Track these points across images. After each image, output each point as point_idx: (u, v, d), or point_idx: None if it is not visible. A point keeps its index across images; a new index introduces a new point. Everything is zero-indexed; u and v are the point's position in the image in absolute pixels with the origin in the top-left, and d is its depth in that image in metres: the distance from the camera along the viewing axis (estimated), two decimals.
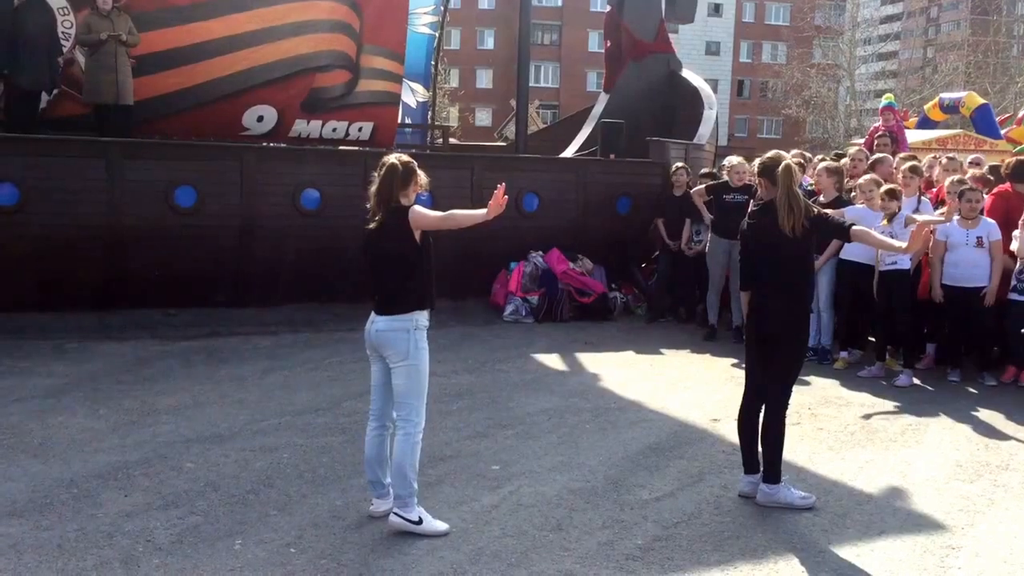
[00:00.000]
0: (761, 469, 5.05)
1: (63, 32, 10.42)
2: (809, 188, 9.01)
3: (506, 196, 4.31)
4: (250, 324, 9.16)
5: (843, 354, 8.48)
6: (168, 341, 8.49)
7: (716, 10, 64.11)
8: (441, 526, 4.49)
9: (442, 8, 15.66)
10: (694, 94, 13.74)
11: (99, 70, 9.95)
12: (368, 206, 4.56)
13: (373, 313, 4.54)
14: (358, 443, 5.02)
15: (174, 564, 4.05)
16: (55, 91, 10.37)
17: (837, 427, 6.55)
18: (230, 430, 5.98)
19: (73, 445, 5.57)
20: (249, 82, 11.54)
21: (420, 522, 4.44)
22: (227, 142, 10.83)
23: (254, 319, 9.31)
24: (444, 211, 4.60)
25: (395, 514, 4.47)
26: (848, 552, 4.46)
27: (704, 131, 12.72)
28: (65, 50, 10.50)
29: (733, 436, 5.41)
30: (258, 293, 9.68)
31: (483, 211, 4.35)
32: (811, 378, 7.75)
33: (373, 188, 4.53)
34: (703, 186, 9.72)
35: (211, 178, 9.52)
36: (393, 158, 4.56)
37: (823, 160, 9.87)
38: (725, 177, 9.70)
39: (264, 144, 11.75)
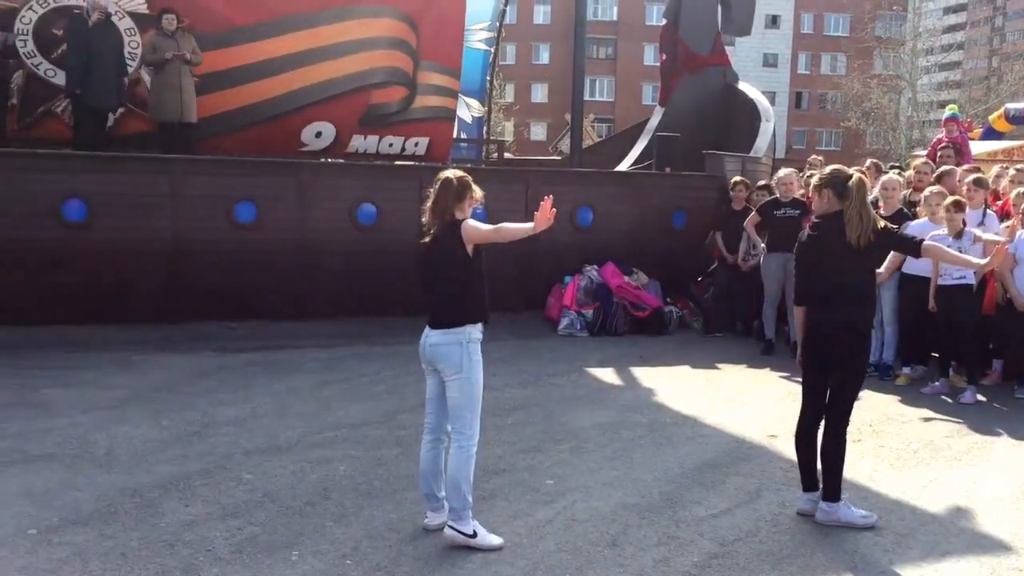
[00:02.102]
0: (820, 486, 4.96)
1: (130, 52, 10.73)
2: (874, 200, 8.87)
3: (554, 209, 4.31)
4: (307, 337, 9.29)
5: (906, 370, 8.31)
6: (228, 354, 8.64)
7: (774, 22, 63.47)
8: (495, 540, 4.49)
9: (497, 24, 15.76)
10: (751, 107, 13.62)
11: (164, 89, 10.23)
12: (423, 220, 4.61)
13: (427, 327, 4.57)
14: (413, 456, 5.05)
15: (233, 573, 4.11)
16: (121, 109, 10.68)
17: (899, 444, 6.41)
18: (288, 442, 6.06)
19: (136, 455, 5.69)
20: (308, 99, 11.76)
21: (475, 535, 4.45)
22: (286, 158, 11.01)
23: (311, 332, 9.43)
24: (497, 225, 4.62)
25: (450, 527, 4.48)
26: (911, 573, 4.36)
27: (761, 144, 12.61)
28: (131, 70, 10.81)
29: (791, 452, 5.32)
30: (315, 306, 9.82)
31: (531, 224, 4.36)
32: (872, 394, 7.60)
33: (428, 203, 4.58)
34: (755, 214, 9.67)
35: (270, 193, 9.69)
36: (448, 173, 4.60)
37: (887, 172, 9.73)
38: (774, 192, 9.66)
39: (322, 160, 11.95)
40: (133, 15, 10.95)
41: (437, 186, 4.55)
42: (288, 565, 4.22)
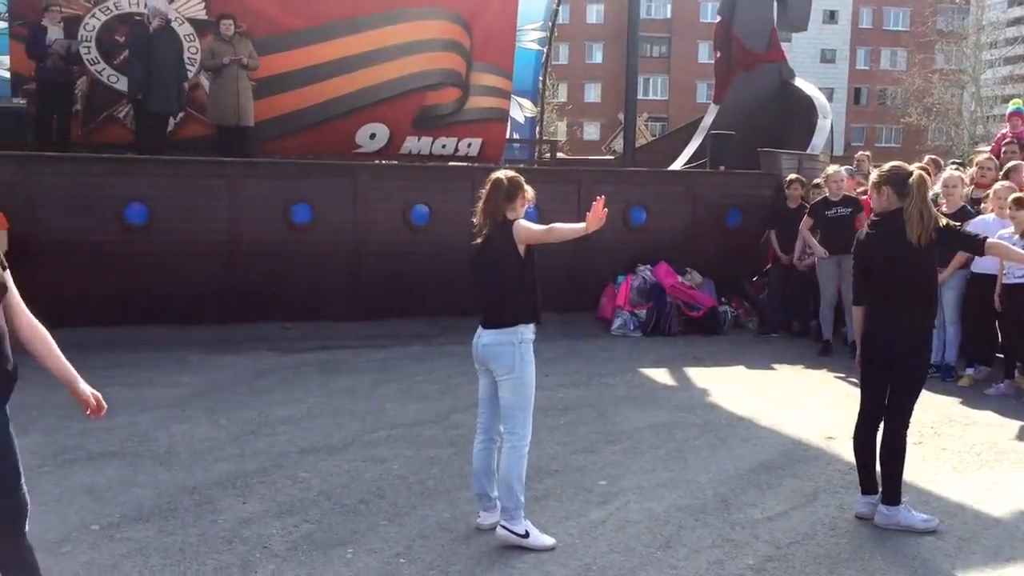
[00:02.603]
0: (880, 490, 4.86)
1: (189, 57, 10.94)
2: (935, 197, 8.69)
3: (606, 209, 4.28)
4: (362, 337, 9.37)
5: (969, 371, 8.12)
6: (284, 354, 8.76)
7: (831, 17, 62.48)
8: (548, 540, 4.49)
9: (550, 24, 15.76)
10: (807, 103, 13.42)
11: (222, 93, 10.41)
12: (475, 220, 4.63)
13: (480, 327, 4.58)
14: (466, 456, 5.07)
15: (289, 571, 4.17)
16: (181, 114, 10.89)
17: (962, 447, 6.25)
18: (342, 441, 6.12)
19: (195, 454, 5.80)
20: (362, 101, 11.89)
21: (527, 535, 4.45)
22: (341, 160, 11.14)
23: (366, 332, 9.52)
24: (549, 225, 4.61)
25: (502, 527, 4.49)
26: None
27: (818, 141, 12.42)
28: (190, 75, 11.02)
29: (849, 455, 5.23)
30: (369, 307, 9.90)
31: (583, 224, 4.34)
32: (934, 395, 7.43)
33: (480, 203, 4.59)
34: (807, 216, 9.52)
35: (325, 195, 9.80)
36: (499, 173, 4.61)
37: (946, 169, 9.52)
38: (824, 190, 9.53)
39: (376, 161, 12.06)
40: (192, 21, 11.18)
41: (488, 186, 4.57)
42: (343, 563, 4.26)
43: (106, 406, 3.31)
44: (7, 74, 11.59)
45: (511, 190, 4.53)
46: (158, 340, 8.79)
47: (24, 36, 10.48)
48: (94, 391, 3.26)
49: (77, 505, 4.86)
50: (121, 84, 10.77)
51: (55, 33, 10.34)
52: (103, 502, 4.92)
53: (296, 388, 7.54)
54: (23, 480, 3.14)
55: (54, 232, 8.81)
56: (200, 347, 8.75)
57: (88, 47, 10.84)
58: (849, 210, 9.17)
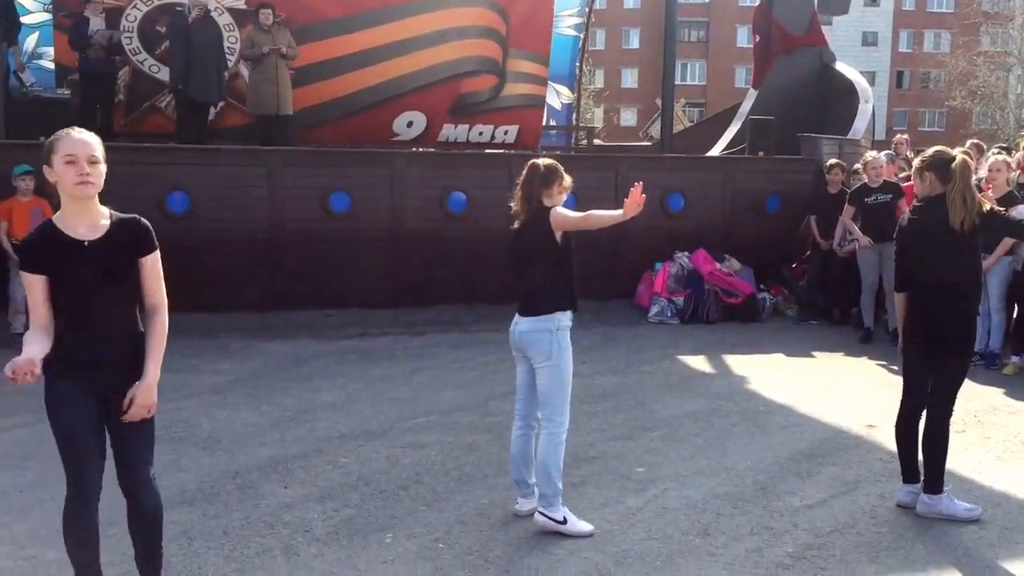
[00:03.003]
0: (922, 478, 4.81)
1: (228, 47, 11.04)
2: (978, 183, 8.54)
3: (643, 195, 4.26)
4: (400, 324, 9.44)
5: (1014, 359, 7.98)
6: (324, 341, 8.85)
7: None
8: (586, 527, 4.50)
9: (587, 9, 15.67)
10: (848, 88, 13.24)
11: (262, 82, 10.49)
12: (512, 207, 4.64)
13: (517, 314, 4.60)
14: (504, 442, 5.09)
15: (330, 554, 4.22)
16: (222, 103, 11.00)
17: (1006, 436, 6.16)
18: (381, 427, 6.18)
19: (237, 439, 5.88)
20: (400, 89, 11.94)
21: (565, 522, 4.47)
22: (378, 148, 11.19)
23: (404, 319, 9.58)
24: (585, 212, 4.61)
25: (540, 513, 4.50)
26: (1019, 569, 4.19)
27: (859, 126, 12.25)
28: (230, 64, 11.12)
29: (890, 443, 5.18)
30: (408, 294, 9.96)
31: (621, 211, 4.32)
32: (978, 384, 7.32)
33: (516, 189, 4.60)
34: (848, 205, 9.37)
35: (363, 183, 9.86)
36: (536, 160, 4.62)
37: (991, 153, 9.35)
38: (863, 177, 9.40)
39: (413, 149, 12.10)
40: (231, 11, 11.28)
41: (525, 172, 4.58)
42: (382, 547, 4.31)
43: (139, 415, 3.34)
44: (51, 65, 11.79)
45: (547, 176, 4.52)
46: (200, 327, 8.91)
47: (67, 27, 10.63)
48: (142, 402, 3.32)
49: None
50: (162, 74, 10.90)
51: (97, 24, 10.48)
52: None
53: (335, 374, 7.61)
54: None
55: None
56: (241, 334, 8.86)
57: (130, 37, 10.98)
58: (889, 196, 9.05)
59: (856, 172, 10.14)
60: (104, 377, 3.30)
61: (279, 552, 4.23)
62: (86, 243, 3.27)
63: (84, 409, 3.29)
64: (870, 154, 9.58)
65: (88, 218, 3.31)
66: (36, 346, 3.17)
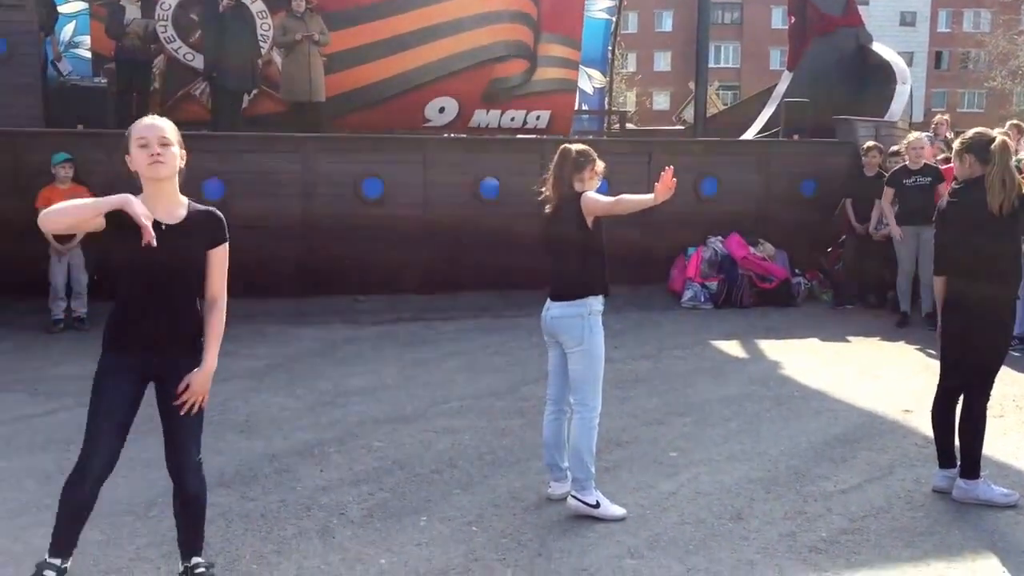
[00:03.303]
0: (958, 463, 4.77)
1: (261, 35, 11.11)
2: (1019, 164, 8.39)
3: (675, 179, 4.24)
4: (433, 310, 9.49)
5: None
6: (358, 326, 8.92)
7: None
8: (618, 511, 4.52)
9: None
10: (885, 69, 13.02)
11: (294, 69, 10.56)
12: (543, 191, 4.64)
13: (548, 299, 4.61)
14: (537, 427, 5.12)
15: (365, 536, 4.28)
16: (255, 91, 11.08)
17: None
18: (415, 412, 6.23)
19: (274, 423, 5.96)
20: (431, 75, 11.95)
21: (598, 506, 4.48)
22: (410, 134, 11.22)
23: (437, 305, 9.62)
24: (616, 196, 4.60)
25: (573, 497, 4.53)
26: None
27: (896, 107, 12.06)
28: (263, 51, 11.20)
29: (926, 428, 5.14)
30: (440, 280, 9.99)
31: (651, 196, 4.31)
32: (1016, 368, 7.22)
33: (548, 174, 4.60)
34: (887, 187, 9.22)
35: (395, 169, 9.89)
36: (568, 144, 4.62)
37: None
38: (904, 158, 9.25)
39: (445, 135, 12.12)
40: None
41: (556, 158, 4.58)
42: (417, 530, 4.35)
43: (193, 401, 3.49)
44: (88, 54, 11.95)
45: (579, 161, 4.52)
46: (236, 312, 8.88)
47: (103, 16, 10.76)
48: (198, 389, 3.48)
49: (162, 471, 5.00)
50: (197, 62, 11.01)
51: (133, 13, 10.59)
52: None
53: (369, 360, 7.68)
54: None
55: None
56: (276, 319, 8.96)
57: (164, 26, 11.09)
58: (929, 180, 8.91)
59: (894, 154, 10.01)
60: (157, 358, 3.42)
61: (315, 534, 4.29)
62: (163, 226, 3.35)
63: (125, 386, 3.40)
64: (912, 135, 9.42)
65: (166, 202, 3.42)
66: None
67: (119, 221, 3.26)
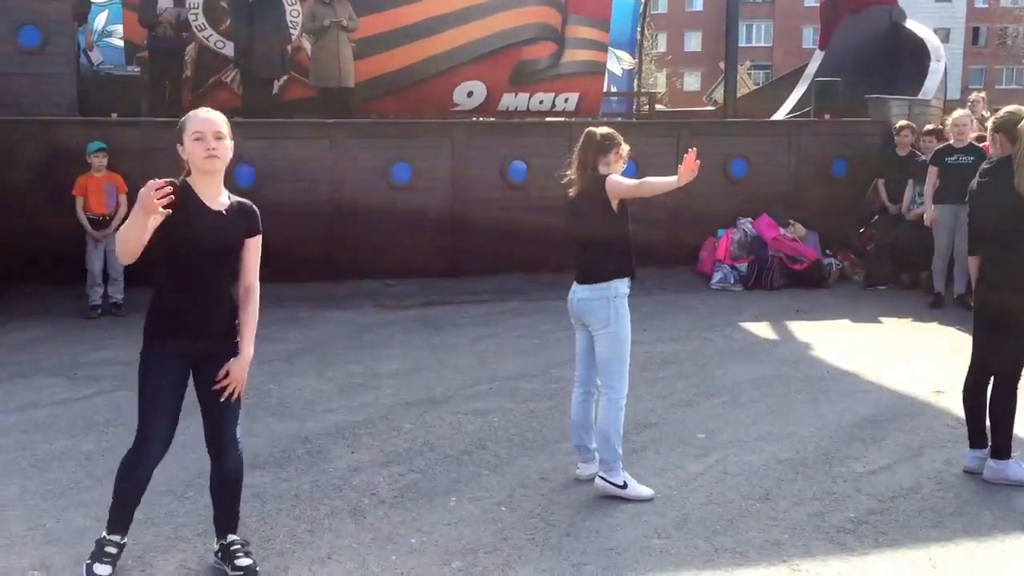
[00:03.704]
0: (989, 443, 4.75)
1: (291, 21, 11.17)
2: None
3: (698, 161, 4.24)
4: (462, 293, 9.54)
5: None
6: (388, 310, 8.99)
7: None
8: (646, 491, 4.55)
9: None
10: (919, 46, 12.84)
11: (323, 55, 10.61)
12: (568, 174, 4.66)
13: (575, 282, 4.63)
14: (565, 408, 5.16)
15: (396, 516, 4.35)
16: (285, 77, 11.15)
17: None
18: (445, 394, 6.29)
19: (306, 405, 6.05)
20: (460, 59, 11.95)
21: (625, 486, 4.52)
22: (438, 118, 11.24)
23: (466, 288, 9.67)
24: (641, 179, 4.60)
25: (601, 478, 4.56)
26: None
27: (930, 85, 11.90)
28: (293, 38, 11.26)
29: (958, 409, 5.11)
30: (469, 263, 10.04)
31: (675, 177, 4.31)
32: None
33: (573, 157, 4.62)
34: (931, 166, 9.02)
35: (424, 154, 9.94)
36: (593, 128, 4.64)
37: None
38: (948, 136, 9.09)
39: (473, 119, 12.13)
40: None
41: (581, 140, 4.60)
42: (446, 510, 4.42)
43: (232, 387, 3.60)
44: (120, 43, 12.08)
45: (604, 144, 4.54)
46: (268, 296, 8.99)
47: (136, 5, 10.86)
48: (237, 376, 3.60)
49: (198, 453, 5.09)
50: (228, 49, 11.09)
51: (165, 2, 10.67)
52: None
53: (400, 343, 7.75)
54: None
55: None
56: (308, 303, 9.05)
57: (196, 14, 11.18)
58: (971, 159, 8.73)
59: (927, 133, 9.87)
60: (199, 343, 3.55)
61: (347, 514, 4.36)
62: (211, 210, 3.51)
63: (171, 373, 3.54)
64: (957, 112, 9.21)
65: (213, 192, 3.57)
66: (142, 229, 3.31)
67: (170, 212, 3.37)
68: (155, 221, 3.31)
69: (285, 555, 3.96)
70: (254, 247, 3.68)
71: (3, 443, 5.30)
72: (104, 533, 3.66)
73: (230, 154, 3.58)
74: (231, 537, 3.76)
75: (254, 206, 3.71)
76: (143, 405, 3.56)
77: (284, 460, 5.07)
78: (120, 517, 3.66)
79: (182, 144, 3.51)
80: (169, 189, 3.22)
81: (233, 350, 3.60)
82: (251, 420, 5.70)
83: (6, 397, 6.17)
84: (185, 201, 3.41)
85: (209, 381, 3.58)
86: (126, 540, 3.70)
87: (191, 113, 3.57)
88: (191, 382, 3.64)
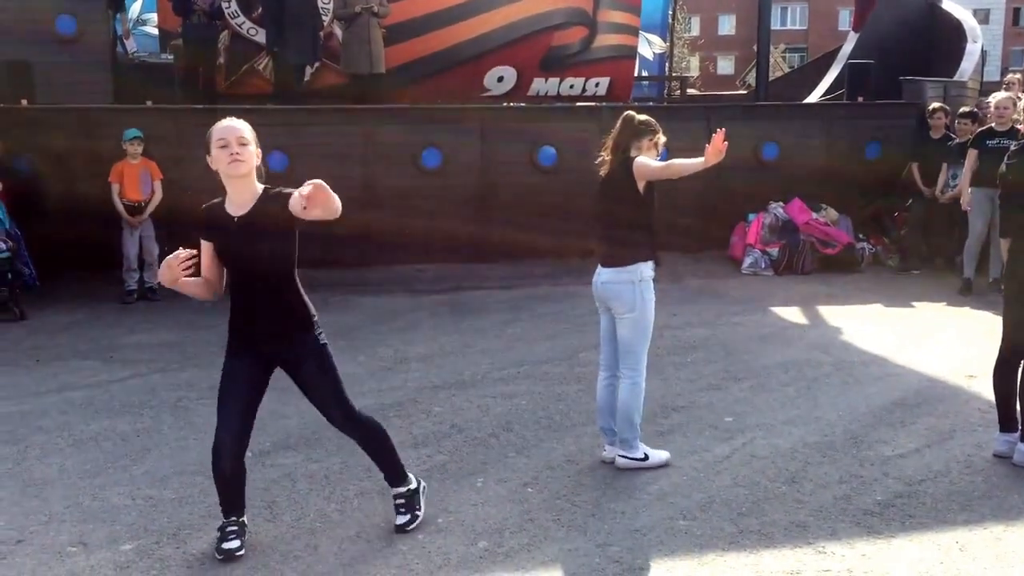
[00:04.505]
0: (1020, 427, 4.71)
1: (322, 7, 11.24)
2: None
3: (725, 142, 4.23)
4: (491, 278, 9.57)
5: None
6: (418, 295, 9.06)
7: None
8: (663, 454, 4.71)
9: None
10: (955, 27, 12.64)
11: (354, 42, 10.66)
12: (601, 155, 4.67)
13: (599, 265, 4.65)
14: (592, 392, 5.18)
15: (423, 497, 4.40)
16: (317, 64, 11.23)
17: None
18: (473, 377, 6.34)
19: None
20: (490, 44, 11.95)
21: (646, 458, 4.59)
22: (468, 104, 11.26)
23: (495, 274, 9.70)
24: (668, 161, 4.61)
25: (621, 456, 4.61)
26: None
27: (966, 67, 11.71)
28: (324, 24, 11.32)
29: (989, 394, 5.07)
30: (499, 248, 10.06)
31: (701, 159, 4.30)
32: None
33: (608, 139, 4.64)
34: (971, 149, 8.86)
35: (454, 139, 9.97)
36: (632, 112, 4.66)
37: None
38: (990, 120, 8.93)
39: (503, 104, 12.14)
40: None
41: (619, 123, 4.62)
42: (474, 491, 4.47)
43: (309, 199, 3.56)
44: (154, 31, 12.22)
45: (639, 129, 4.55)
46: (301, 281, 9.19)
47: None
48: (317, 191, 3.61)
49: None
50: (260, 37, 11.18)
51: None
52: (255, 432, 5.15)
53: (429, 327, 7.81)
54: None
55: (202, 180, 9.30)
56: (339, 289, 9.13)
57: (229, 2, 11.27)
58: (1012, 142, 8.60)
59: (963, 116, 9.72)
60: (261, 343, 3.77)
61: (376, 494, 4.42)
62: (236, 219, 3.66)
63: (242, 376, 3.77)
64: (999, 94, 9.02)
65: (243, 195, 3.71)
66: (191, 280, 3.62)
67: (205, 235, 3.69)
68: (210, 247, 3.67)
69: (316, 533, 4.04)
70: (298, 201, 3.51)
71: (43, 424, 5.44)
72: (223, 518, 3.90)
73: (255, 160, 3.71)
74: (395, 490, 4.05)
75: (276, 190, 3.76)
76: (218, 405, 3.78)
77: (315, 441, 5.14)
78: (222, 501, 3.88)
79: (210, 154, 3.66)
80: (190, 262, 3.48)
81: (312, 343, 3.86)
82: (283, 403, 5.77)
83: (46, 379, 6.32)
84: (216, 216, 3.65)
85: (298, 377, 3.88)
86: (244, 518, 3.91)
87: (216, 123, 3.72)
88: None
